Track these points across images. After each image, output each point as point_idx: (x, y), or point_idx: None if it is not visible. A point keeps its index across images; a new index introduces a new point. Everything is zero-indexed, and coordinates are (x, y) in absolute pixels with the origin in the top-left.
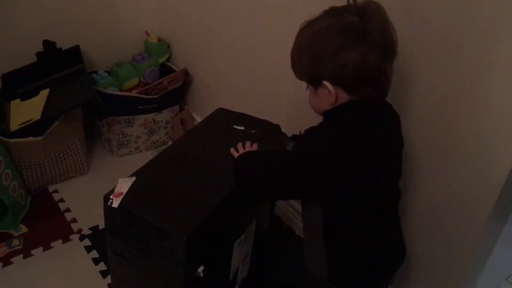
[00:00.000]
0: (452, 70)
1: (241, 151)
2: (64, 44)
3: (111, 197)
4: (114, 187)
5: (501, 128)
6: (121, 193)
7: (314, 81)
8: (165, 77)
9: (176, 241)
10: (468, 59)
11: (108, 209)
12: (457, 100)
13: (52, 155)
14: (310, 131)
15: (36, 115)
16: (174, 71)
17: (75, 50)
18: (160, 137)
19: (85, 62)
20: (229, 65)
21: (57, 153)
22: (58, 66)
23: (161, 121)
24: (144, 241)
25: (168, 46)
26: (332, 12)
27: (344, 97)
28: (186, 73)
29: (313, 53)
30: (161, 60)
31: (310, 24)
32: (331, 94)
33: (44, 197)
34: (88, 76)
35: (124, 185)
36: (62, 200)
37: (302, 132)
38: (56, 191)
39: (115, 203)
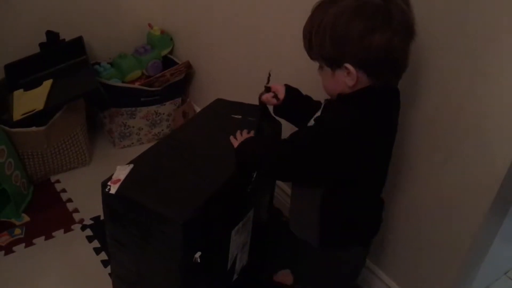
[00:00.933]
0: (454, 67)
1: (240, 138)
2: (67, 35)
3: (108, 183)
4: (112, 174)
5: (500, 124)
6: (118, 180)
7: (333, 63)
8: (168, 70)
9: (173, 226)
10: (470, 57)
11: (106, 196)
12: (458, 97)
13: (54, 145)
14: (329, 112)
15: (39, 105)
16: (176, 63)
17: (78, 41)
18: (162, 129)
19: (88, 54)
20: (232, 58)
21: (60, 143)
22: (61, 57)
23: (163, 113)
24: (142, 227)
25: (171, 39)
26: None
27: (364, 81)
28: (188, 66)
29: (337, 35)
30: (164, 52)
31: (331, 3)
32: (352, 77)
33: (46, 187)
34: (91, 67)
35: (122, 172)
36: (64, 190)
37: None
38: (58, 181)
39: (113, 190)
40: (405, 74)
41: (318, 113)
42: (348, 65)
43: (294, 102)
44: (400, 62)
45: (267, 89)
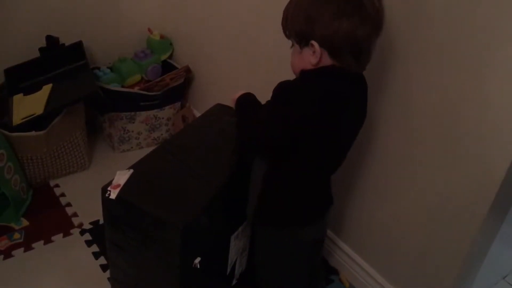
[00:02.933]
0: (451, 69)
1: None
2: (67, 39)
3: (108, 188)
4: (112, 179)
5: (499, 126)
6: (118, 185)
7: (302, 40)
8: (167, 74)
9: (173, 230)
10: (468, 58)
11: (106, 201)
12: (456, 99)
13: (54, 150)
14: (285, 85)
15: (39, 110)
16: (176, 68)
17: (78, 46)
18: (161, 134)
19: (87, 58)
20: (231, 63)
21: (59, 147)
22: (61, 61)
23: (163, 118)
24: (142, 232)
25: (171, 43)
26: None
27: (326, 60)
28: (188, 70)
29: (310, 14)
30: (163, 57)
31: None
32: (316, 54)
33: (45, 191)
34: (90, 72)
35: (122, 177)
36: (63, 195)
37: None
38: (57, 185)
39: (113, 195)
40: (405, 74)
41: None
42: (314, 42)
43: None
44: (362, 51)
45: None
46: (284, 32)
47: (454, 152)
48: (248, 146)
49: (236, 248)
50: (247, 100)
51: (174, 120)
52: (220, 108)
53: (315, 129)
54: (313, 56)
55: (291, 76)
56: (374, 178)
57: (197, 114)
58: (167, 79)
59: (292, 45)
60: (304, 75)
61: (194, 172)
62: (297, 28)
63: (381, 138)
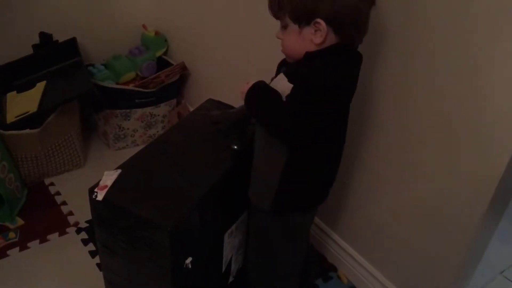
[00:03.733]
0: (449, 68)
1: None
2: (60, 36)
3: (95, 190)
4: (99, 180)
5: (497, 123)
6: (105, 186)
7: (303, 19)
8: (162, 71)
9: (160, 232)
10: (465, 56)
11: (93, 203)
12: (453, 97)
13: (48, 148)
14: (307, 74)
15: (33, 107)
16: (171, 64)
17: (72, 43)
18: (157, 131)
19: (81, 55)
20: (226, 59)
21: (54, 145)
22: (54, 58)
23: (158, 115)
24: (131, 233)
25: (166, 40)
26: None
27: (331, 38)
28: (183, 67)
29: None
30: (158, 53)
31: None
32: (322, 33)
33: (40, 190)
34: (85, 69)
35: (109, 178)
36: (58, 193)
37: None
38: (52, 184)
39: (100, 196)
40: (402, 73)
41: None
42: (320, 20)
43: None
44: (364, 24)
45: None
46: (274, 11)
47: (452, 150)
48: (275, 136)
49: (231, 246)
50: (263, 88)
51: (169, 117)
52: (211, 103)
53: (338, 110)
54: (317, 36)
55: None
56: (372, 175)
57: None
58: (162, 76)
59: (283, 27)
60: (313, 58)
61: (184, 170)
62: (297, 7)
63: (379, 135)
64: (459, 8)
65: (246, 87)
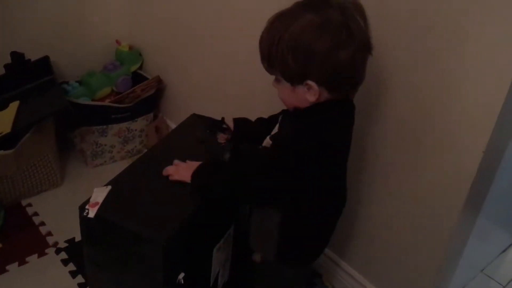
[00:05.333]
0: (424, 65)
1: (181, 167)
2: (33, 55)
3: (86, 207)
4: (90, 197)
5: (469, 122)
6: (97, 203)
7: (295, 80)
8: (138, 85)
9: (154, 246)
10: (440, 54)
11: (84, 220)
12: (426, 98)
13: (24, 168)
14: (287, 127)
15: (6, 128)
16: (146, 78)
17: (45, 61)
18: (135, 146)
19: (55, 73)
20: (202, 71)
21: (30, 166)
22: (27, 77)
23: (136, 130)
24: (122, 249)
25: (140, 54)
26: (312, 7)
27: (324, 96)
28: (159, 81)
29: (302, 52)
30: (133, 68)
31: (291, 18)
32: (314, 93)
33: (17, 211)
34: (58, 87)
35: (99, 195)
36: (36, 214)
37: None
38: (29, 204)
39: (91, 213)
40: (377, 72)
41: (276, 129)
42: (310, 82)
43: (245, 132)
44: (359, 77)
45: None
46: (266, 69)
47: (426, 149)
48: (258, 201)
49: (219, 260)
50: (214, 166)
51: (147, 131)
52: (195, 118)
53: (331, 166)
54: (310, 94)
55: (264, 84)
56: (350, 182)
57: (171, 124)
58: (138, 91)
59: (277, 79)
60: (301, 116)
61: (173, 186)
62: (287, 69)
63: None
64: (428, 6)
65: (183, 174)
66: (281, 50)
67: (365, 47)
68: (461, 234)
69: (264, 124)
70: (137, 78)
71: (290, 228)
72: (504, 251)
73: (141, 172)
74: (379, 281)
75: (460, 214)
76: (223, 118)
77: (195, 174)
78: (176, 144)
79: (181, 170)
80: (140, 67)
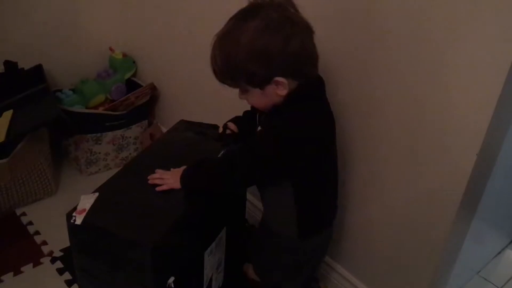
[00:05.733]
0: (414, 67)
1: (172, 175)
2: (26, 64)
3: (74, 214)
4: (77, 205)
5: (461, 125)
6: (84, 210)
7: (261, 82)
8: (132, 93)
9: (142, 250)
10: (432, 57)
11: (72, 227)
12: (419, 97)
13: (18, 177)
14: (279, 130)
15: (0, 137)
16: (140, 86)
17: (38, 70)
18: (130, 153)
19: (48, 81)
20: (197, 78)
21: (24, 175)
22: (20, 86)
23: (130, 137)
24: (112, 255)
25: (134, 61)
26: (249, 15)
27: (293, 84)
28: (153, 88)
29: (260, 56)
30: (127, 75)
31: (236, 32)
32: (284, 86)
33: (11, 221)
34: (52, 95)
35: (87, 202)
36: (30, 223)
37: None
38: (24, 214)
39: (78, 220)
40: (365, 75)
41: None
42: (279, 78)
43: (245, 130)
44: (314, 55)
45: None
46: (228, 83)
47: (420, 152)
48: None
49: (211, 265)
50: (198, 165)
51: (142, 138)
52: (184, 124)
53: (324, 143)
54: (280, 89)
55: None
56: (342, 182)
57: (165, 131)
58: (132, 98)
59: (244, 91)
60: (281, 111)
61: (161, 191)
62: (252, 76)
63: (345, 138)
64: (417, 12)
65: (171, 182)
66: (241, 63)
67: (308, 29)
68: (457, 236)
69: (248, 121)
70: (131, 85)
71: (304, 200)
72: (499, 253)
73: (129, 178)
74: (375, 284)
75: (455, 216)
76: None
77: (183, 178)
78: (164, 149)
79: (168, 179)
80: (134, 75)
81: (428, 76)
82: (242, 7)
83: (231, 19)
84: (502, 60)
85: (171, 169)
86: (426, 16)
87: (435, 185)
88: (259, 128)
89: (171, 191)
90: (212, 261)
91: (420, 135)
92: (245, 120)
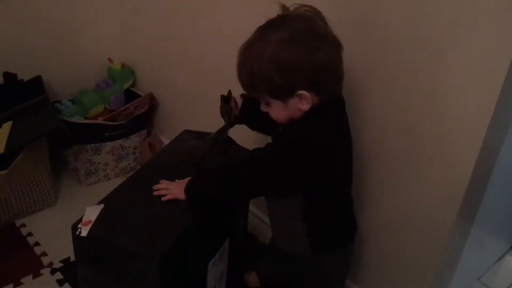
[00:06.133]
0: (411, 74)
1: (172, 186)
2: (25, 75)
3: (79, 226)
4: (82, 216)
5: (462, 130)
6: (89, 221)
7: (284, 95)
8: (131, 103)
9: (149, 263)
10: (427, 62)
11: (77, 239)
12: (417, 107)
13: (18, 189)
14: (292, 144)
15: (0, 149)
16: (139, 96)
17: (37, 81)
18: (129, 163)
19: (47, 92)
20: (195, 87)
21: (23, 186)
22: (20, 98)
23: (129, 147)
24: (117, 267)
25: (132, 72)
26: (276, 26)
27: (315, 100)
28: (152, 97)
29: (284, 66)
30: (126, 85)
31: (262, 42)
32: (307, 101)
33: (11, 232)
34: (51, 106)
35: (92, 213)
36: (30, 234)
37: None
38: (23, 225)
39: (84, 232)
40: (363, 81)
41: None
42: (302, 92)
43: (253, 110)
44: (340, 71)
45: (226, 99)
46: (253, 95)
47: (419, 159)
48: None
49: (214, 275)
50: (203, 175)
51: (141, 148)
52: (187, 134)
53: (335, 158)
54: (303, 104)
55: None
56: None
57: (164, 140)
58: (131, 108)
59: (267, 103)
60: (297, 122)
61: (166, 203)
62: (274, 88)
63: None
64: (416, 15)
65: (176, 192)
66: (265, 74)
67: (335, 44)
68: (456, 243)
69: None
70: (130, 95)
71: (314, 213)
72: (500, 259)
73: (134, 189)
74: None
75: (455, 223)
76: (230, 91)
77: (188, 189)
78: (168, 160)
79: (173, 190)
80: (133, 85)
81: (426, 85)
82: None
83: (258, 29)
84: (498, 67)
85: (176, 180)
86: (426, 20)
87: (434, 192)
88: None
89: (176, 201)
90: (215, 272)
91: (418, 142)
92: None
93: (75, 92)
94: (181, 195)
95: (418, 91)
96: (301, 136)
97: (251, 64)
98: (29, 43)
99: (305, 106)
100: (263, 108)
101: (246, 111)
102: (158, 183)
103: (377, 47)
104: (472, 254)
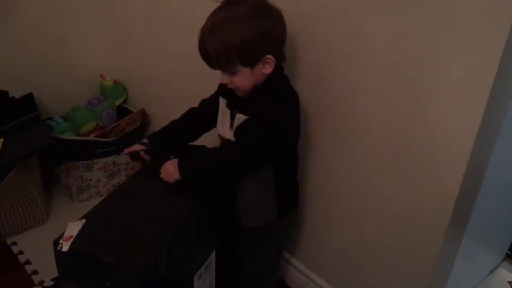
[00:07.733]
0: (398, 79)
1: (166, 168)
2: (17, 92)
3: (60, 241)
4: (63, 232)
5: (450, 144)
6: (71, 236)
7: (253, 61)
8: (123, 119)
9: (129, 276)
10: (414, 67)
11: (58, 254)
12: (403, 121)
13: (9, 206)
14: (259, 109)
15: None
16: (131, 112)
17: (29, 98)
18: (121, 179)
19: (39, 109)
20: (187, 103)
21: (14, 203)
22: (11, 115)
23: (121, 163)
24: (99, 281)
25: (124, 88)
26: (233, 3)
27: (274, 64)
28: (143, 114)
29: (257, 35)
30: (118, 102)
31: (229, 17)
32: (271, 65)
33: (2, 250)
34: (42, 123)
35: (73, 228)
36: (21, 252)
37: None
38: (14, 243)
39: (65, 247)
40: (350, 85)
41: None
42: (269, 56)
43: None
44: (286, 38)
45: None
46: (220, 65)
47: (407, 173)
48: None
49: None
50: (190, 160)
51: (133, 164)
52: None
53: (298, 121)
54: (267, 67)
55: None
56: (332, 204)
57: None
58: (123, 124)
59: (232, 73)
60: (263, 91)
61: (148, 215)
62: (247, 55)
63: (322, 157)
64: (400, 30)
65: (173, 174)
66: (239, 43)
67: (282, 16)
68: (448, 256)
69: (176, 134)
70: (122, 111)
71: (281, 178)
72: (492, 271)
73: (115, 204)
74: None
75: (445, 236)
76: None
77: (180, 164)
78: (150, 174)
79: (168, 170)
80: (125, 101)
81: (413, 97)
82: None
83: (217, 9)
84: (484, 82)
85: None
86: (408, 39)
87: (424, 206)
88: (237, 112)
89: (159, 214)
90: (202, 285)
91: (405, 156)
92: (169, 135)
93: (67, 109)
94: (176, 174)
95: (406, 104)
96: (281, 110)
97: (225, 37)
98: (20, 60)
99: (268, 69)
100: (225, 79)
101: (170, 146)
102: (141, 197)
103: (360, 67)
104: (464, 267)
